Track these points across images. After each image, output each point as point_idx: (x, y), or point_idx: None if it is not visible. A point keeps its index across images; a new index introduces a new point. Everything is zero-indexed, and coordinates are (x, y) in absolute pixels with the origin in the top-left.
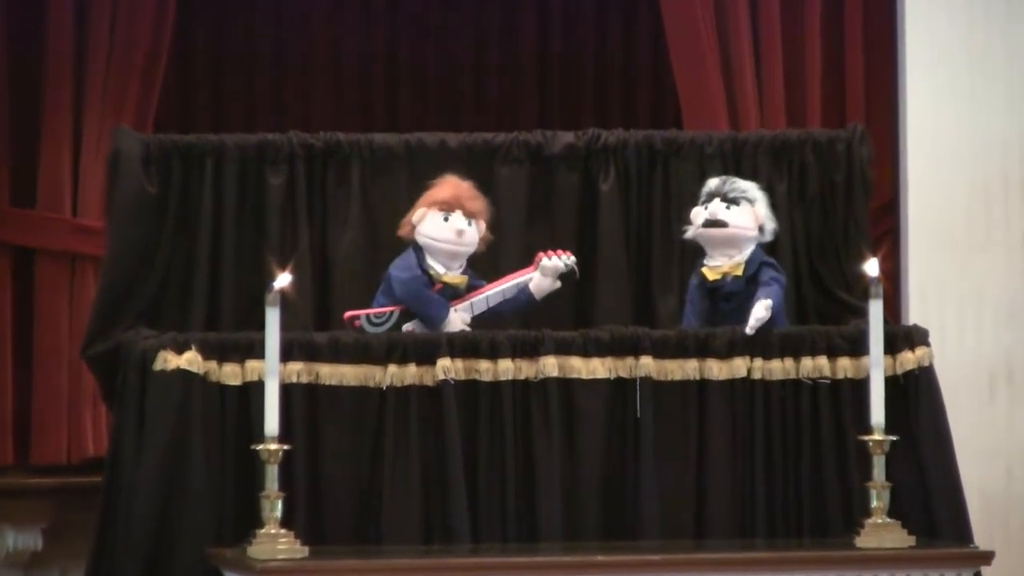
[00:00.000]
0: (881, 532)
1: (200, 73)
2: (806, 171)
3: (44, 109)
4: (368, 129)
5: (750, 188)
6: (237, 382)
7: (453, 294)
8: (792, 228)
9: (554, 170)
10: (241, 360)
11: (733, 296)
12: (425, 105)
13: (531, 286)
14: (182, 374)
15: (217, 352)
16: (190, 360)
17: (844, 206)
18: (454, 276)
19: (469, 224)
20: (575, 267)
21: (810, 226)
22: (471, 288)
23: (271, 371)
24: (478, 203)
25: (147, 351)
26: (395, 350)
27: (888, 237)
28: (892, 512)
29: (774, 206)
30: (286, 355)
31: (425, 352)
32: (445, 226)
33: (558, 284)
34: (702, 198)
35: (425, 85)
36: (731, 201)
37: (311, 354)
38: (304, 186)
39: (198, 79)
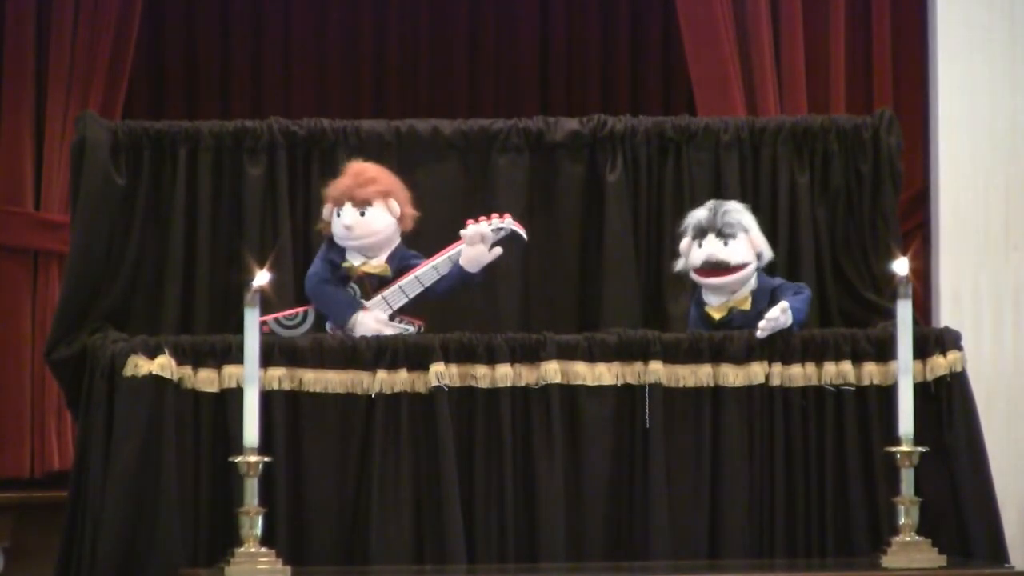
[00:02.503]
0: (910, 551)
1: (172, 58)
2: (829, 161)
3: (3, 96)
4: (354, 115)
5: (741, 215)
6: (213, 389)
7: (380, 282)
8: (815, 223)
9: (557, 159)
10: (218, 365)
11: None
12: (416, 89)
13: (460, 258)
14: (154, 380)
15: (192, 356)
16: (162, 365)
17: (871, 199)
18: (375, 265)
19: (362, 214)
20: (516, 229)
21: (834, 220)
22: (405, 269)
23: (250, 377)
24: (370, 188)
25: (116, 355)
26: (384, 354)
27: (918, 232)
28: (922, 529)
29: (795, 198)
30: (266, 360)
31: (417, 356)
32: (337, 222)
33: (497, 252)
34: (691, 231)
35: (416, 67)
36: (727, 236)
37: (293, 359)
38: (286, 176)
39: (170, 64)
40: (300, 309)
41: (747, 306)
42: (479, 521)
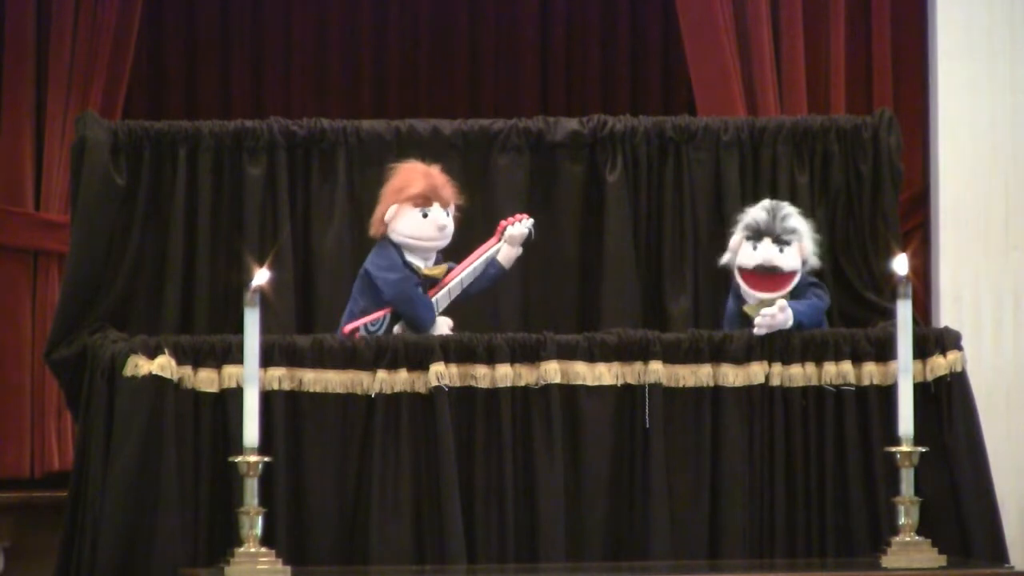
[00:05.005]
0: (910, 551)
1: (172, 57)
2: (829, 161)
3: (3, 96)
4: (354, 115)
5: (798, 223)
6: (213, 389)
7: (432, 284)
8: (815, 223)
9: (557, 159)
10: (218, 365)
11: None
12: (416, 89)
13: (499, 257)
14: (154, 380)
15: (192, 356)
16: (162, 365)
17: (871, 199)
18: (434, 268)
19: (448, 215)
20: (532, 229)
21: (834, 220)
22: (446, 272)
23: (250, 377)
24: (450, 187)
25: (116, 355)
26: (384, 354)
27: (918, 232)
28: (922, 529)
29: (795, 198)
30: (266, 360)
31: (417, 357)
32: (425, 223)
33: (520, 250)
34: (746, 230)
35: (416, 67)
36: (783, 243)
37: (293, 359)
38: (286, 177)
39: (170, 64)
40: (380, 314)
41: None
42: (479, 521)
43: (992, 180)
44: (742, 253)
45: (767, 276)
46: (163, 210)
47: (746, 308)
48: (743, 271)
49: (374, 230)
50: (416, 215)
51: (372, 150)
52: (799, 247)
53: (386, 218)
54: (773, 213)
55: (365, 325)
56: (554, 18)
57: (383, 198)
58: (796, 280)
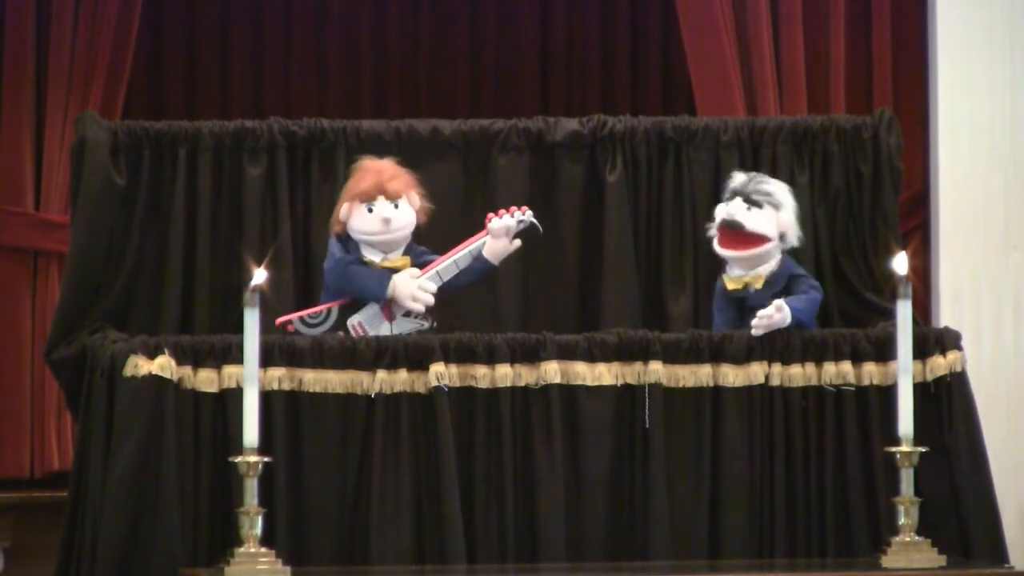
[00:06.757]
0: (910, 551)
1: (172, 57)
2: (829, 161)
3: (3, 96)
4: (354, 115)
5: (777, 191)
6: (213, 389)
7: None
8: (814, 222)
9: (557, 160)
10: (217, 365)
11: (758, 309)
12: (416, 90)
13: (484, 251)
14: (154, 380)
15: (192, 356)
16: (162, 365)
17: (871, 199)
18: (395, 260)
19: (396, 207)
20: (534, 221)
21: (834, 220)
22: (421, 265)
23: (250, 377)
24: (399, 180)
25: (116, 355)
26: (384, 354)
27: (918, 232)
28: (922, 529)
29: (795, 198)
30: (266, 360)
31: (417, 356)
32: (370, 218)
33: (517, 244)
34: (726, 194)
35: (416, 67)
36: (753, 203)
37: (293, 359)
38: (285, 177)
39: (170, 64)
40: (323, 307)
41: (759, 285)
42: (479, 521)
43: (992, 180)
44: (716, 213)
45: (732, 233)
46: (163, 210)
47: (725, 278)
48: (715, 237)
49: (334, 230)
50: (363, 211)
51: (372, 150)
52: (775, 216)
53: (341, 217)
54: (750, 177)
55: (302, 317)
56: (554, 18)
57: (341, 198)
58: (775, 256)
